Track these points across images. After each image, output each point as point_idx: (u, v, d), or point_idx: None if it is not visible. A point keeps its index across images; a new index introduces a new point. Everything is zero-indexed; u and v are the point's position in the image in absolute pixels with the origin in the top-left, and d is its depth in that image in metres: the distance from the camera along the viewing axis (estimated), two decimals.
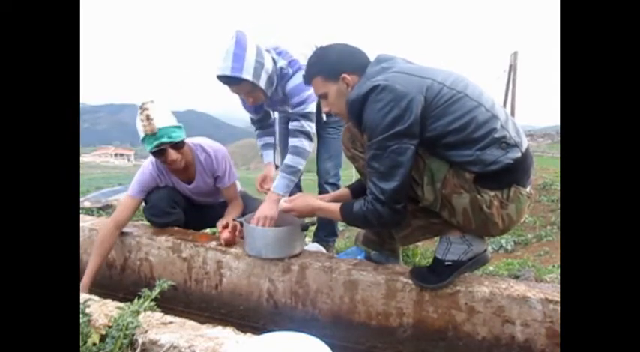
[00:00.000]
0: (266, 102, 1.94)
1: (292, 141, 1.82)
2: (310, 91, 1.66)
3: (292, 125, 1.83)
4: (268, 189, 1.86)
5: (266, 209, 1.73)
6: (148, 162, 1.98)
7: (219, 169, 2.01)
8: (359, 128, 1.39)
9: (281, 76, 1.86)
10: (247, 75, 1.69)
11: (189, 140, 1.97)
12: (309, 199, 1.57)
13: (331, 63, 1.40)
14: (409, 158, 1.26)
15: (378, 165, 1.28)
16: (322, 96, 1.46)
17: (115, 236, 1.89)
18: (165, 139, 1.74)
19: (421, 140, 1.27)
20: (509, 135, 1.27)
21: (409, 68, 1.32)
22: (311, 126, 1.82)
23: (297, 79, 1.81)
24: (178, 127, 1.82)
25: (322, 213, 1.55)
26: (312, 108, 1.83)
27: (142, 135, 1.76)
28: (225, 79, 1.73)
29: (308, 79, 1.48)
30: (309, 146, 1.83)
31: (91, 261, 1.80)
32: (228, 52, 1.69)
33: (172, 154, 1.79)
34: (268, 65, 1.76)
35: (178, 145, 1.81)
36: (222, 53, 1.71)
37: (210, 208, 2.15)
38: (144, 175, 1.98)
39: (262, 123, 2.18)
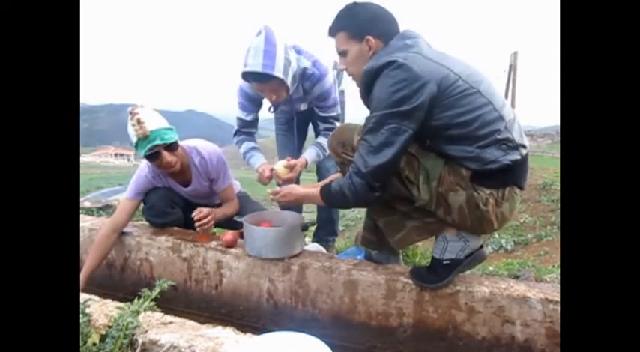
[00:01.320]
0: (286, 100, 1.93)
1: (326, 134, 2.04)
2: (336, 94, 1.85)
3: (325, 126, 2.06)
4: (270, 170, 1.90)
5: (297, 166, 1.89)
6: (144, 165, 1.96)
7: (214, 172, 1.99)
8: (366, 101, 1.37)
9: (305, 76, 1.87)
10: (278, 72, 1.69)
11: (183, 143, 1.96)
12: (294, 189, 1.59)
13: (360, 21, 1.36)
14: (404, 140, 1.24)
15: (371, 139, 1.27)
16: (341, 54, 1.43)
17: (112, 239, 1.88)
18: (158, 141, 1.73)
19: (425, 128, 1.26)
20: (512, 138, 1.27)
21: (430, 52, 1.30)
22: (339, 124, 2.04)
23: (328, 82, 1.93)
24: (170, 129, 1.80)
25: (306, 200, 1.57)
26: (339, 109, 2.08)
27: (134, 140, 1.75)
28: (254, 76, 1.72)
29: (333, 32, 1.44)
30: None
31: (86, 264, 1.78)
32: (257, 49, 1.67)
33: (167, 156, 1.77)
34: (294, 63, 1.77)
35: (172, 147, 1.79)
36: (250, 49, 1.69)
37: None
38: (140, 178, 1.97)
39: (250, 128, 2.10)
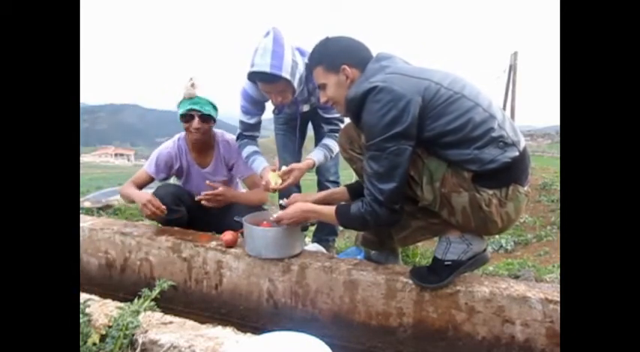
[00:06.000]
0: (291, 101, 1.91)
1: (331, 135, 2.03)
2: None
3: (330, 128, 2.05)
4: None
5: (297, 171, 1.85)
6: (172, 141, 2.19)
7: (235, 156, 2.14)
8: (357, 124, 1.39)
9: (309, 78, 1.84)
10: (286, 73, 1.68)
11: (216, 130, 2.19)
12: (302, 205, 1.56)
13: (333, 54, 1.40)
14: (407, 159, 1.27)
15: (376, 166, 1.29)
16: (321, 87, 1.47)
17: (134, 186, 2.12)
18: (197, 107, 1.96)
19: (420, 140, 1.28)
20: (507, 135, 1.28)
21: (407, 69, 1.33)
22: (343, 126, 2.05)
23: None
24: (214, 107, 2.03)
25: (316, 216, 1.55)
26: None
27: (180, 98, 1.99)
28: (261, 76, 1.71)
29: (310, 68, 1.49)
30: None
31: (131, 192, 2.07)
32: (265, 49, 1.67)
33: (197, 123, 1.98)
34: (300, 65, 1.76)
35: (205, 118, 1.99)
36: (258, 49, 1.68)
37: (214, 210, 2.15)
38: (163, 149, 2.18)
39: (253, 132, 2.09)
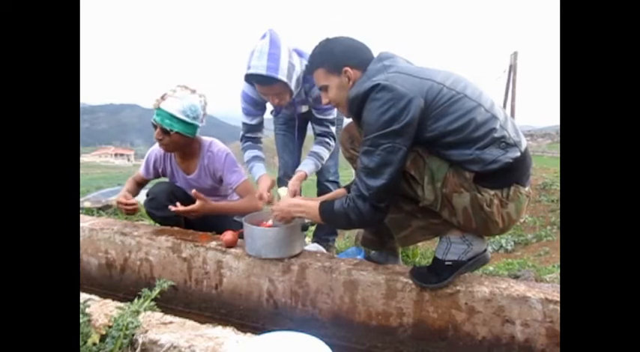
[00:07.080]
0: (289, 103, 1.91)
1: (320, 141, 2.04)
2: None
3: (321, 130, 2.04)
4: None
5: (290, 185, 1.82)
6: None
7: (221, 168, 2.09)
8: (358, 125, 1.39)
9: (306, 78, 1.86)
10: (282, 75, 1.68)
11: (203, 137, 2.15)
12: (289, 199, 1.58)
13: (335, 55, 1.40)
14: (400, 158, 1.26)
15: (367, 161, 1.28)
16: (323, 88, 1.46)
17: (133, 182, 2.24)
18: (157, 118, 1.94)
19: (421, 140, 1.28)
20: (509, 135, 1.28)
21: (410, 68, 1.32)
22: (334, 129, 2.07)
23: None
24: (182, 122, 1.94)
25: (301, 210, 1.53)
26: (335, 113, 2.04)
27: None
28: (257, 78, 1.71)
29: (310, 70, 1.48)
30: (334, 145, 2.08)
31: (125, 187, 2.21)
32: (262, 51, 1.67)
33: (158, 134, 1.97)
34: (298, 67, 1.76)
35: (166, 131, 1.95)
36: (255, 51, 1.68)
37: None
38: (153, 151, 2.21)
39: (256, 133, 2.09)
